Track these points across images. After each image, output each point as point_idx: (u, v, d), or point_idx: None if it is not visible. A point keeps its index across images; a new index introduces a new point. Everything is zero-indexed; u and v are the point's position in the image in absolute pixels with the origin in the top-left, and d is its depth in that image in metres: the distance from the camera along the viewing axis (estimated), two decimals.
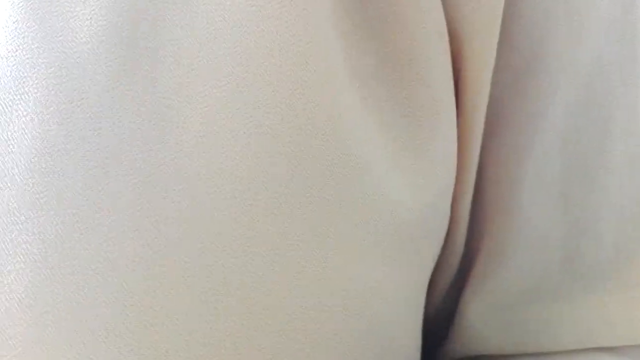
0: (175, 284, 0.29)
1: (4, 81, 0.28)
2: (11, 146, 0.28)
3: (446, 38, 0.32)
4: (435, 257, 0.36)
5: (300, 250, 0.30)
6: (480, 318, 0.38)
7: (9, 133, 0.28)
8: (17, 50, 0.28)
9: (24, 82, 0.28)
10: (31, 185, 0.28)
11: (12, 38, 0.29)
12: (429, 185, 0.32)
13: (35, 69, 0.28)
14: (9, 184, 0.28)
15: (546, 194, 0.36)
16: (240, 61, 0.29)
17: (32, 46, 0.28)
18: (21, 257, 0.28)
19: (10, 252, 0.28)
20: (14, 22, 0.29)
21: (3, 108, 0.28)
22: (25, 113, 0.28)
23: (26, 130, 0.28)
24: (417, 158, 0.32)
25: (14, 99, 0.28)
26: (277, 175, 0.29)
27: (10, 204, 0.28)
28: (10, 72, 0.28)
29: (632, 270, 0.37)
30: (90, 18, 0.29)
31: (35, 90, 0.28)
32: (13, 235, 0.28)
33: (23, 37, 0.29)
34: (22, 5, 0.29)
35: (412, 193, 0.32)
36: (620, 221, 0.37)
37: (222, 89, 0.29)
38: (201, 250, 0.29)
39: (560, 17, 0.33)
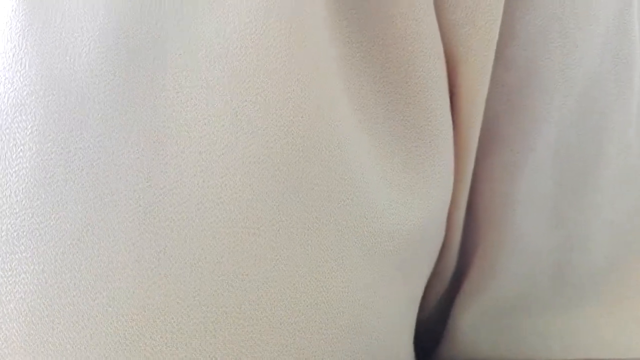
0: (176, 313, 0.29)
1: (1, 108, 0.28)
2: (9, 175, 0.28)
3: (442, 58, 0.32)
4: (429, 272, 0.36)
5: (297, 271, 0.30)
6: (472, 327, 0.38)
7: (8, 161, 0.28)
8: (14, 77, 0.28)
9: (22, 110, 0.28)
10: (30, 215, 0.28)
11: (10, 64, 0.28)
12: (425, 203, 0.33)
13: (34, 96, 0.28)
14: (7, 213, 0.28)
15: (539, 210, 0.36)
16: (239, 87, 0.29)
17: (30, 73, 0.28)
18: (20, 286, 0.28)
19: (10, 281, 0.28)
20: (11, 48, 0.28)
21: (1, 136, 0.28)
22: (23, 141, 0.28)
23: (24, 159, 0.28)
24: (414, 177, 0.32)
25: (12, 126, 0.28)
26: (275, 200, 0.29)
27: (9, 233, 0.28)
28: (8, 99, 0.28)
29: (624, 284, 0.38)
30: (89, 45, 0.28)
31: (34, 118, 0.28)
32: (12, 265, 0.28)
33: (21, 64, 0.28)
34: (20, 31, 0.28)
35: (408, 211, 0.32)
36: (613, 236, 0.37)
37: (221, 116, 0.29)
38: (201, 277, 0.29)
39: (554, 38, 0.34)
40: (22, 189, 0.28)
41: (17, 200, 0.28)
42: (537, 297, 0.37)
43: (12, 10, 0.29)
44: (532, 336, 0.38)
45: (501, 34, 0.33)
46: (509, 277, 0.37)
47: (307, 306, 0.31)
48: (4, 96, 0.28)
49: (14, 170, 0.28)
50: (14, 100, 0.28)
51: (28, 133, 0.28)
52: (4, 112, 0.28)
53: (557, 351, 0.38)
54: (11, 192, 0.28)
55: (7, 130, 0.28)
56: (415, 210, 0.32)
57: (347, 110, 0.31)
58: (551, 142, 0.35)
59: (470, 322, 0.38)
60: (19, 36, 0.28)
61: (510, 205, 0.36)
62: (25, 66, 0.28)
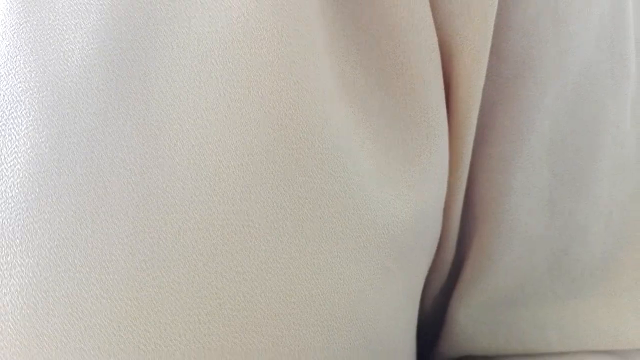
0: (170, 305, 0.29)
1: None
2: (4, 170, 0.28)
3: (437, 50, 0.32)
4: (428, 265, 0.37)
5: (291, 263, 0.30)
6: (469, 319, 0.38)
7: (3, 157, 0.28)
8: (9, 74, 0.29)
9: (16, 106, 0.28)
10: (25, 208, 0.28)
11: (5, 61, 0.29)
12: (420, 196, 0.33)
13: (28, 93, 0.28)
14: (2, 207, 0.28)
15: (535, 199, 0.36)
16: (231, 82, 0.29)
17: (25, 69, 0.29)
18: (16, 279, 0.28)
19: (5, 274, 0.28)
20: (6, 46, 0.29)
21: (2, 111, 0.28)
22: (18, 137, 0.28)
23: (19, 154, 0.28)
24: (409, 170, 0.32)
25: (7, 122, 0.28)
26: (269, 192, 0.30)
27: (5, 227, 0.28)
28: (4, 95, 0.28)
29: (620, 276, 0.38)
30: (82, 42, 0.29)
31: (28, 114, 0.28)
32: (8, 258, 0.28)
33: (15, 61, 0.29)
34: (14, 29, 0.29)
35: (403, 204, 0.32)
36: (608, 228, 0.37)
37: (214, 110, 0.29)
38: (195, 270, 0.29)
39: (548, 28, 0.34)
40: (17, 184, 0.28)
41: (11, 195, 0.28)
42: (535, 288, 0.38)
43: (7, 9, 0.29)
44: (530, 327, 0.38)
45: (496, 24, 0.33)
46: (505, 266, 0.37)
47: (301, 298, 0.31)
48: (0, 92, 0.29)
49: (9, 165, 0.28)
50: (9, 97, 0.28)
51: (23, 129, 0.28)
52: (0, 108, 0.28)
53: (555, 342, 0.38)
54: (6, 186, 0.28)
55: (3, 127, 0.28)
56: (411, 203, 0.32)
57: (341, 103, 0.31)
58: (545, 132, 0.35)
59: (468, 312, 0.38)
60: (13, 34, 0.29)
61: (506, 193, 0.36)
62: (19, 64, 0.29)
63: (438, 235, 0.36)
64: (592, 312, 0.37)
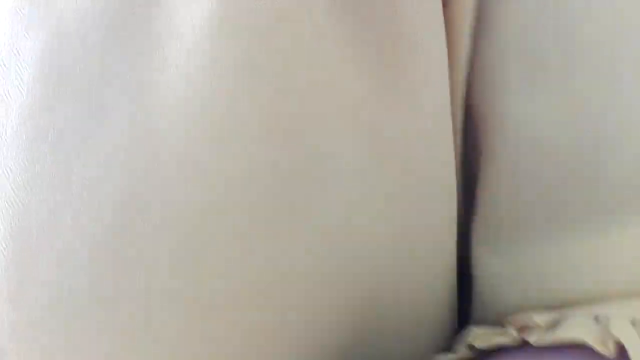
0: (165, 247, 0.30)
1: (4, 39, 0.31)
2: (9, 108, 0.30)
3: None
4: (448, 169, 0.35)
5: (297, 199, 0.31)
6: (493, 257, 0.35)
7: (5, 89, 0.30)
8: (19, 12, 0.30)
9: (23, 39, 0.30)
10: (24, 139, 0.30)
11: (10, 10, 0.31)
12: (419, 108, 0.33)
13: (35, 27, 0.30)
14: (3, 135, 0.30)
15: (541, 100, 0.33)
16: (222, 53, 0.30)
17: (32, 7, 0.30)
18: (6, 183, 0.30)
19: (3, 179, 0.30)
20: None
21: (2, 64, 0.30)
22: (23, 66, 0.30)
23: (21, 88, 0.30)
24: (403, 84, 0.33)
25: (12, 53, 0.30)
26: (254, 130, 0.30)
27: (7, 162, 0.30)
28: (13, 29, 0.30)
29: None
30: None
31: (33, 47, 0.30)
32: (6, 161, 0.30)
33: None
34: None
35: (404, 117, 0.33)
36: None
37: (202, 56, 0.30)
38: (176, 223, 0.30)
39: None
40: (19, 113, 0.30)
41: (11, 125, 0.30)
42: (563, 217, 0.33)
43: None
44: (561, 268, 0.33)
45: None
46: (522, 183, 0.34)
47: (309, 231, 0.31)
48: (7, 27, 0.30)
49: (10, 98, 0.30)
50: (18, 31, 0.30)
51: (28, 60, 0.30)
52: (6, 42, 0.30)
53: (591, 284, 0.33)
54: (9, 113, 0.30)
55: (9, 59, 0.30)
56: (410, 115, 0.33)
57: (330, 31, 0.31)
58: (549, 17, 0.33)
59: (489, 247, 0.35)
60: None
61: (505, 88, 0.34)
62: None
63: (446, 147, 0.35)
64: (629, 248, 0.33)
